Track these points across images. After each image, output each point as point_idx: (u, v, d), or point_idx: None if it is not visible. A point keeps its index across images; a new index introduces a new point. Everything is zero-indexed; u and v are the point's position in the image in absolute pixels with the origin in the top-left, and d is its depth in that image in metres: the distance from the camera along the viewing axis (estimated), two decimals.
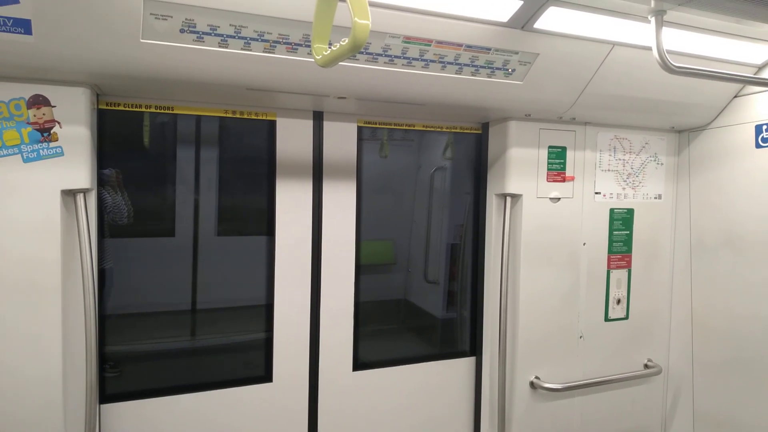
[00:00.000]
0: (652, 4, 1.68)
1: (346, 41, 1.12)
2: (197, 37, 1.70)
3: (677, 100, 2.52)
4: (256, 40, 1.75)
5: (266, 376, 2.38)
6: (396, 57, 1.93)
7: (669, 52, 1.72)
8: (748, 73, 2.43)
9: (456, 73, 2.06)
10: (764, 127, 2.45)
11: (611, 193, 2.78)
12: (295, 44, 1.80)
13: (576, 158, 2.68)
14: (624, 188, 2.81)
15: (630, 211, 2.84)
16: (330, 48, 1.23)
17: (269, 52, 1.80)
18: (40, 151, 1.81)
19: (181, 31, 1.66)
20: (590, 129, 2.70)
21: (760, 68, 2.44)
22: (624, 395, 2.90)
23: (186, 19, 1.64)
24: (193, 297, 2.58)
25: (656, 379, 2.96)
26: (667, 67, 1.71)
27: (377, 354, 2.67)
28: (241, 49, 1.77)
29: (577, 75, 2.23)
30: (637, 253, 2.87)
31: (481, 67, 2.07)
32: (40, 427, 1.86)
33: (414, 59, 1.96)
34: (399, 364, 2.64)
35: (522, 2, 1.78)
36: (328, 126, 2.42)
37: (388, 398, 2.61)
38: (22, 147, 1.79)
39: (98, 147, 2.04)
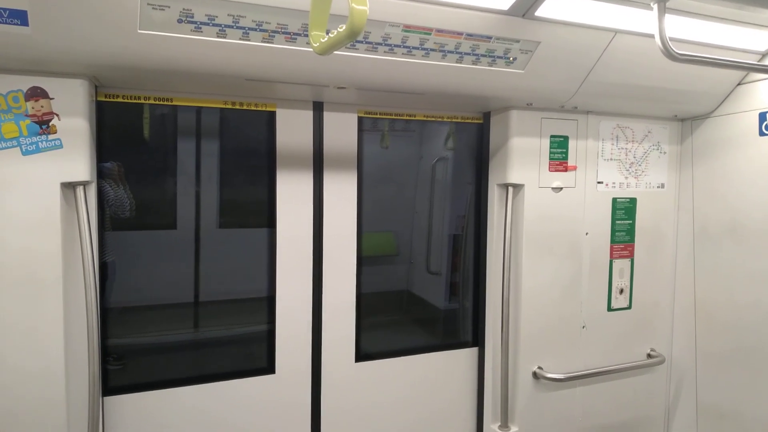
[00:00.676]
0: None
1: (344, 27, 1.11)
2: (195, 27, 1.68)
3: (680, 88, 2.50)
4: (255, 29, 1.74)
5: (269, 368, 2.39)
6: (396, 46, 1.91)
7: (672, 39, 1.69)
8: (752, 60, 2.40)
9: (457, 62, 2.04)
10: None
11: (614, 183, 2.76)
12: (294, 34, 1.78)
13: (578, 147, 2.66)
14: (626, 177, 2.80)
15: (633, 201, 2.82)
16: (327, 35, 1.21)
17: (268, 42, 1.79)
18: (39, 143, 1.80)
19: (179, 21, 1.65)
20: (592, 118, 2.68)
21: (764, 55, 2.41)
22: (627, 385, 2.89)
23: (183, 9, 1.62)
24: (196, 289, 2.58)
25: (659, 368, 2.95)
26: (669, 54, 1.69)
27: (380, 345, 2.67)
28: (240, 39, 1.75)
29: (579, 63, 2.21)
30: (640, 243, 2.86)
31: (482, 55, 2.05)
32: (43, 420, 1.87)
33: (414, 48, 1.94)
34: (401, 355, 2.65)
35: None
36: (328, 117, 2.41)
37: (390, 389, 2.62)
38: (20, 139, 1.78)
39: (98, 139, 2.03)
